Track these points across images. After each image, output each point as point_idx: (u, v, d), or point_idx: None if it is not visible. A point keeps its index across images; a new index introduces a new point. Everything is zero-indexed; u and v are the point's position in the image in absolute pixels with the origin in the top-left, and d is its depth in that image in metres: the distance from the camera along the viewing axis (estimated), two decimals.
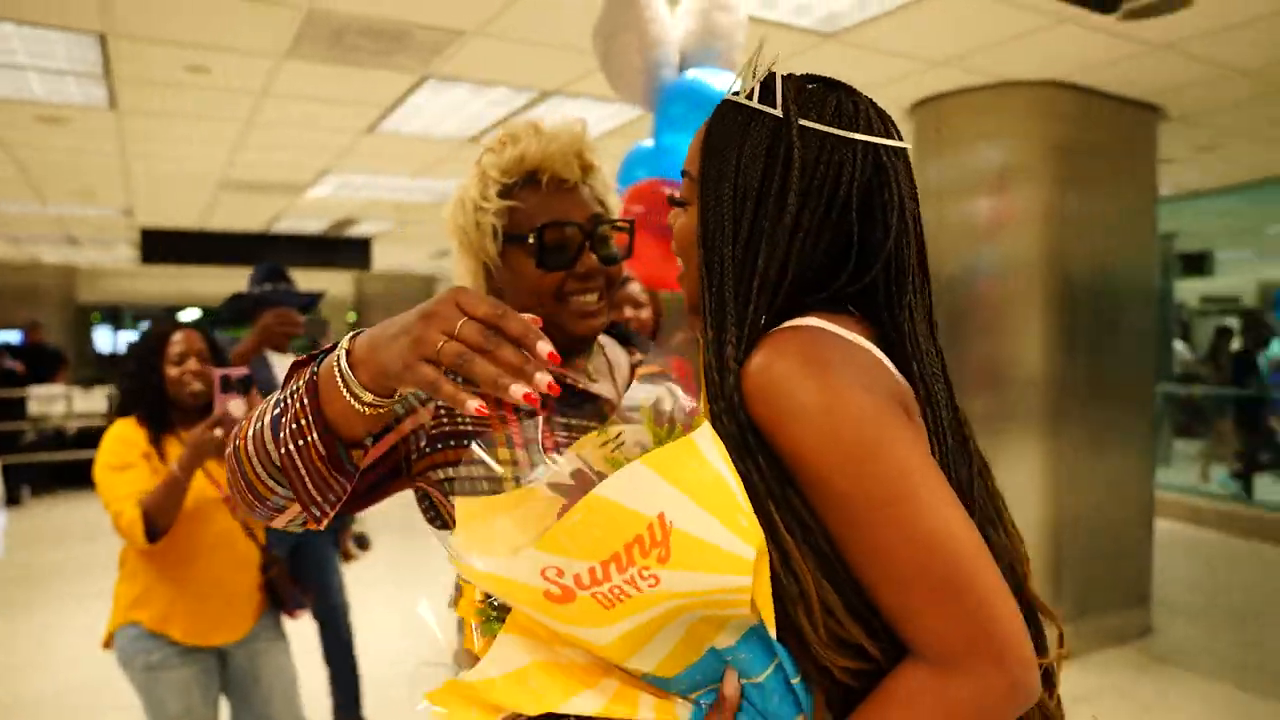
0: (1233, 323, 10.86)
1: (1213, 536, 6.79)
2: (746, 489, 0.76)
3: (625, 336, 1.39)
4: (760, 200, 0.86)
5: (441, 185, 6.92)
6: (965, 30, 3.60)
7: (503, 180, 1.16)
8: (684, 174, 0.95)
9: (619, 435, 0.83)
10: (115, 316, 21.55)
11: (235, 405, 2.06)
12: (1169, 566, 5.18)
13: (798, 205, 0.85)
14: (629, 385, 1.18)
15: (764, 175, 0.86)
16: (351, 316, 14.96)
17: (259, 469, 0.93)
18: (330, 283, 15.24)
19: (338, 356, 0.88)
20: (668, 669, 0.81)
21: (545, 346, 0.77)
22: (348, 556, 3.52)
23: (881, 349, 0.86)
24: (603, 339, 1.35)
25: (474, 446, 0.92)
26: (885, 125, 0.90)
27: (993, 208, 4.38)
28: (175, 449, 2.21)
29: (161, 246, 9.01)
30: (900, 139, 0.90)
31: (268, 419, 0.94)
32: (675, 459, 0.75)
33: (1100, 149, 4.44)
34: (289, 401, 0.92)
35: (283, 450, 0.92)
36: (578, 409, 1.16)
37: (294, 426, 0.91)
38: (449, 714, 0.82)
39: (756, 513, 0.76)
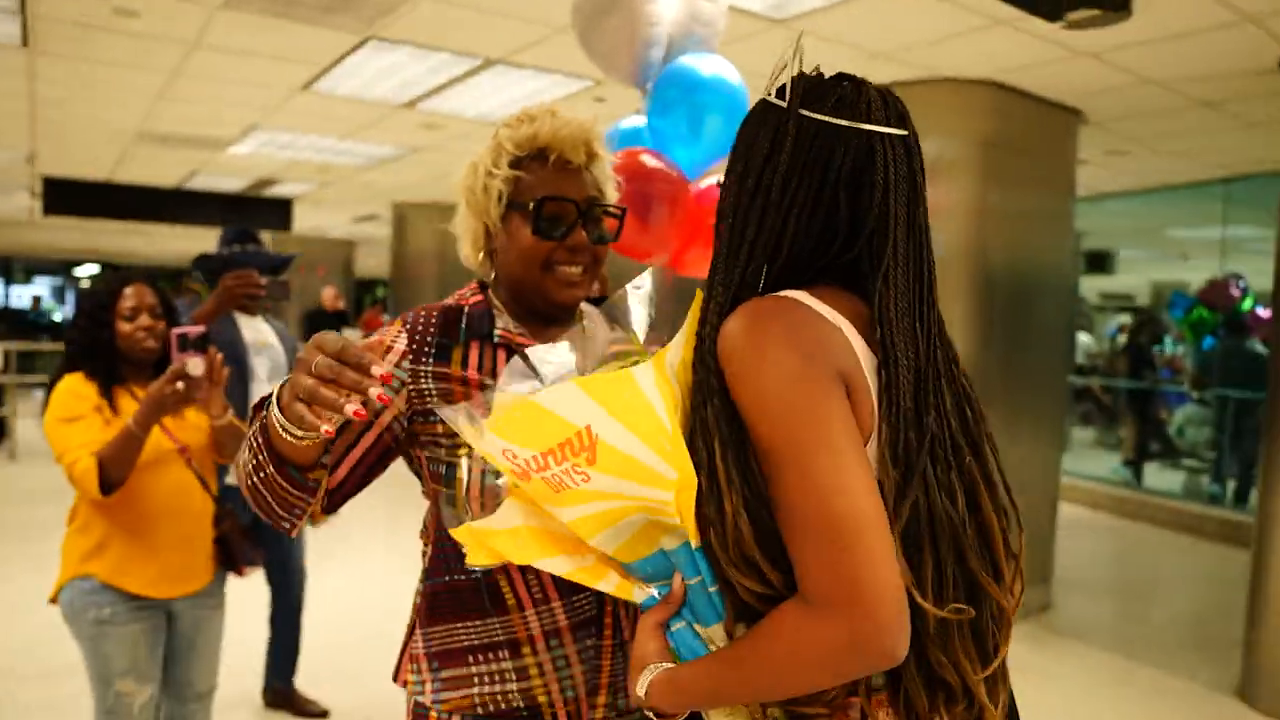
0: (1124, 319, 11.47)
1: (1106, 519, 7.21)
2: (703, 425, 0.91)
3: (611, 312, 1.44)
4: (759, 178, 0.96)
5: (369, 149, 6.78)
6: (908, 25, 3.71)
7: (515, 152, 1.27)
8: None
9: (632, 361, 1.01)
10: (6, 269, 20.39)
11: (194, 364, 2.03)
12: (1068, 547, 5.49)
13: (789, 183, 0.95)
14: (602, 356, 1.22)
15: (765, 158, 0.96)
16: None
17: (248, 497, 1.16)
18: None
19: (271, 401, 1.05)
20: (625, 555, 0.98)
21: (378, 369, 0.93)
22: (315, 519, 3.46)
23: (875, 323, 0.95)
24: (589, 317, 1.40)
25: (444, 413, 1.01)
26: (887, 114, 0.97)
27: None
28: (127, 402, 2.16)
29: (66, 197, 8.59)
30: (903, 128, 0.98)
31: (243, 457, 1.13)
32: (608, 386, 0.91)
33: (1023, 148, 4.63)
34: (252, 440, 1.11)
35: (249, 482, 1.13)
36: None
37: (254, 462, 1.10)
38: (466, 548, 1.03)
39: (702, 445, 0.90)
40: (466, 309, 1.29)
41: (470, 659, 1.26)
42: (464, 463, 1.21)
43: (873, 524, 0.82)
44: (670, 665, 0.95)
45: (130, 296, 2.18)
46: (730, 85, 2.48)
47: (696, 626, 0.96)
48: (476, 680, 1.25)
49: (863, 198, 0.95)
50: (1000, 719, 0.94)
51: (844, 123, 0.95)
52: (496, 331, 1.27)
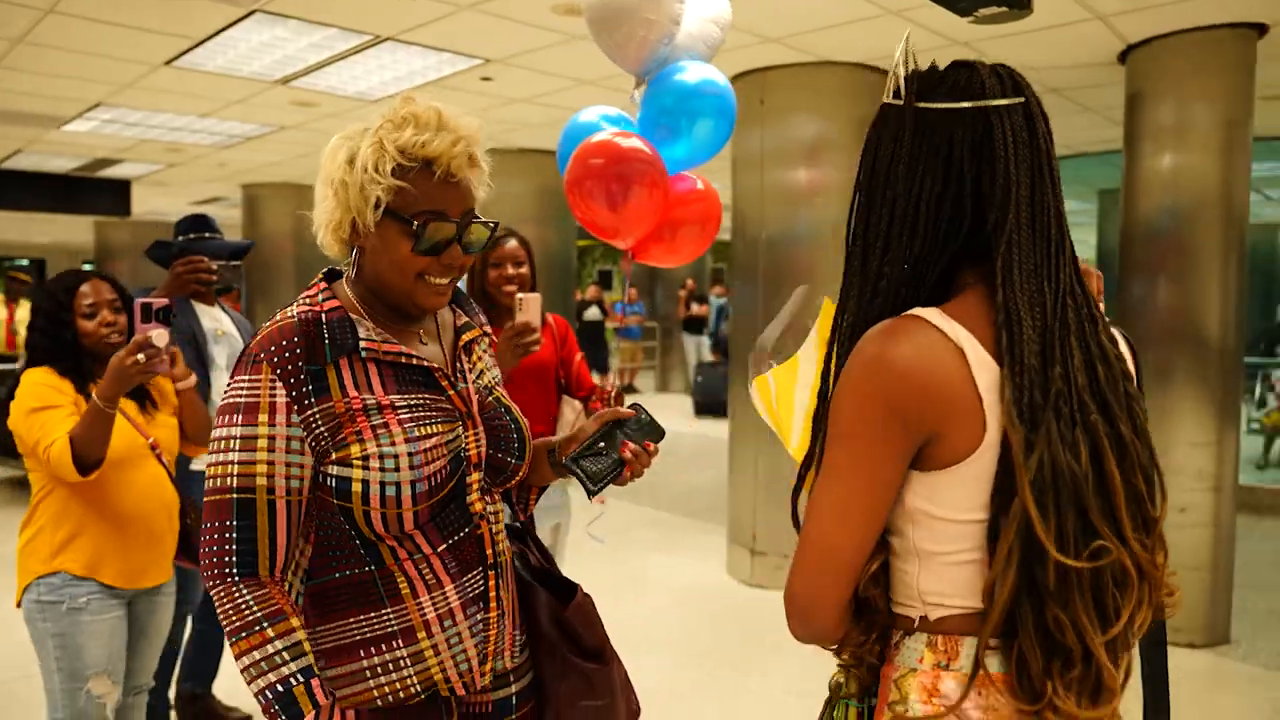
0: None
1: None
2: (818, 406, 1.10)
3: (455, 298, 1.53)
4: (887, 175, 1.04)
5: (230, 127, 6.42)
6: (803, 12, 3.88)
7: (399, 160, 1.23)
8: None
9: None
10: None
11: (158, 335, 2.00)
12: None
13: (914, 172, 1.02)
14: (455, 346, 1.41)
15: (890, 155, 1.04)
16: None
17: None
18: (69, 230, 13.58)
19: None
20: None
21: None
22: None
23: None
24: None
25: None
26: (1002, 88, 1.01)
27: (808, 177, 4.75)
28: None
29: None
30: (1020, 95, 1.02)
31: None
32: (786, 369, 1.28)
33: None
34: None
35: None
36: (410, 380, 1.30)
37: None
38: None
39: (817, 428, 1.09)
40: (324, 318, 1.26)
41: (363, 652, 1.26)
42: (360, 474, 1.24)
43: (840, 561, 1.00)
44: None
45: (88, 294, 2.17)
46: (723, 92, 2.54)
47: None
48: (371, 673, 1.27)
49: (985, 169, 1.00)
50: (1120, 681, 0.96)
51: (959, 105, 1.00)
52: (362, 344, 1.26)
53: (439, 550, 1.28)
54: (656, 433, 1.44)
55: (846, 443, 0.99)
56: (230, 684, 3.32)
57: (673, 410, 12.35)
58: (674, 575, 5.07)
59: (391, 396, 1.25)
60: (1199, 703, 3.50)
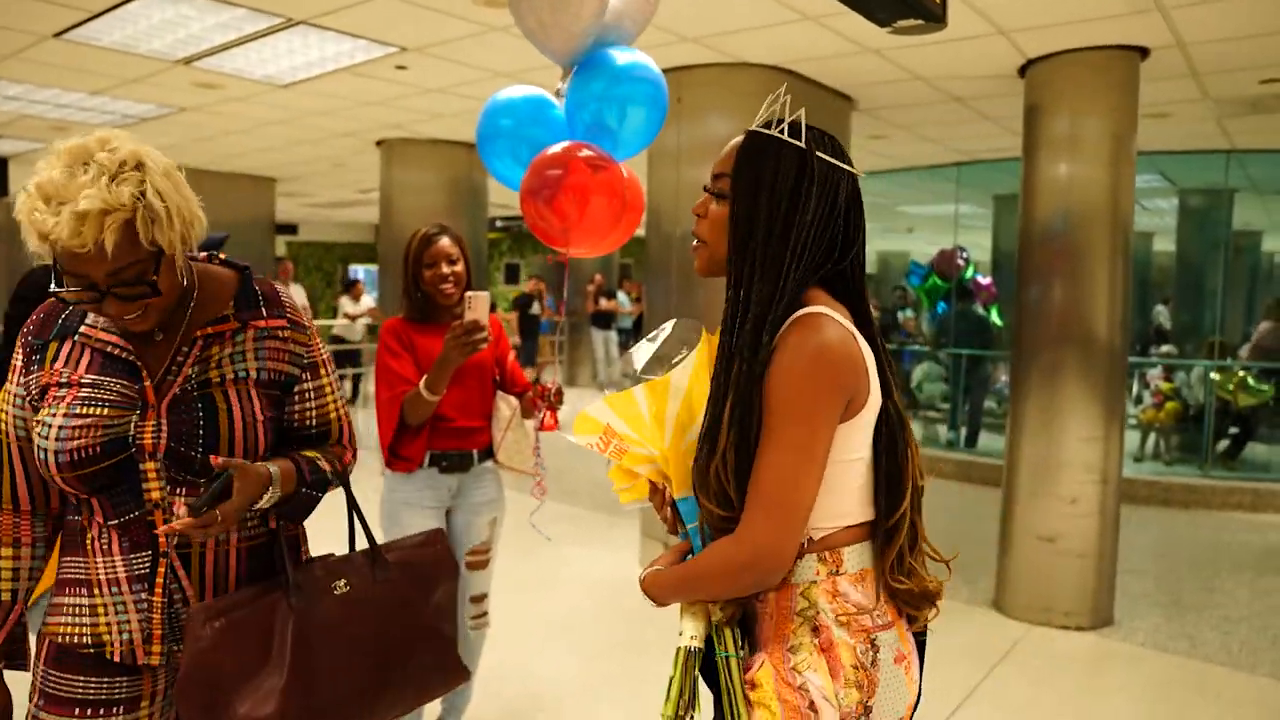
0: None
1: None
2: (731, 386, 1.25)
3: (267, 298, 1.59)
4: (793, 203, 1.27)
5: (125, 107, 6.12)
6: (723, 14, 3.94)
7: (35, 233, 1.28)
8: (720, 176, 1.35)
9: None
10: None
11: None
12: None
13: (817, 209, 1.27)
14: (190, 340, 1.49)
15: (794, 188, 1.27)
16: None
17: None
18: None
19: None
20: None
21: None
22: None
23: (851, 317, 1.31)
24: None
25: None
26: (849, 159, 1.33)
27: None
28: None
29: None
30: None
31: None
32: (624, 398, 1.39)
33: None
34: None
35: None
36: (113, 367, 1.43)
37: None
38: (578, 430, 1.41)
39: (722, 397, 1.26)
40: (71, 306, 1.42)
41: (65, 590, 1.46)
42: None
43: (803, 507, 1.21)
44: (659, 567, 1.36)
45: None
46: (656, 78, 2.52)
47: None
48: (65, 610, 1.44)
49: (851, 217, 1.31)
50: (939, 559, 1.40)
51: (844, 166, 1.31)
52: (82, 328, 1.43)
53: (109, 524, 1.42)
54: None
55: (803, 419, 1.19)
56: None
57: (582, 404, 12.35)
58: (588, 569, 5.09)
59: (88, 377, 1.40)
60: (1081, 680, 3.72)
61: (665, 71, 4.76)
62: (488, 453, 2.83)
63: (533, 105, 2.58)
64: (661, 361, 1.43)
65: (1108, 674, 3.80)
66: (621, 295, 14.19)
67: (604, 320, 13.65)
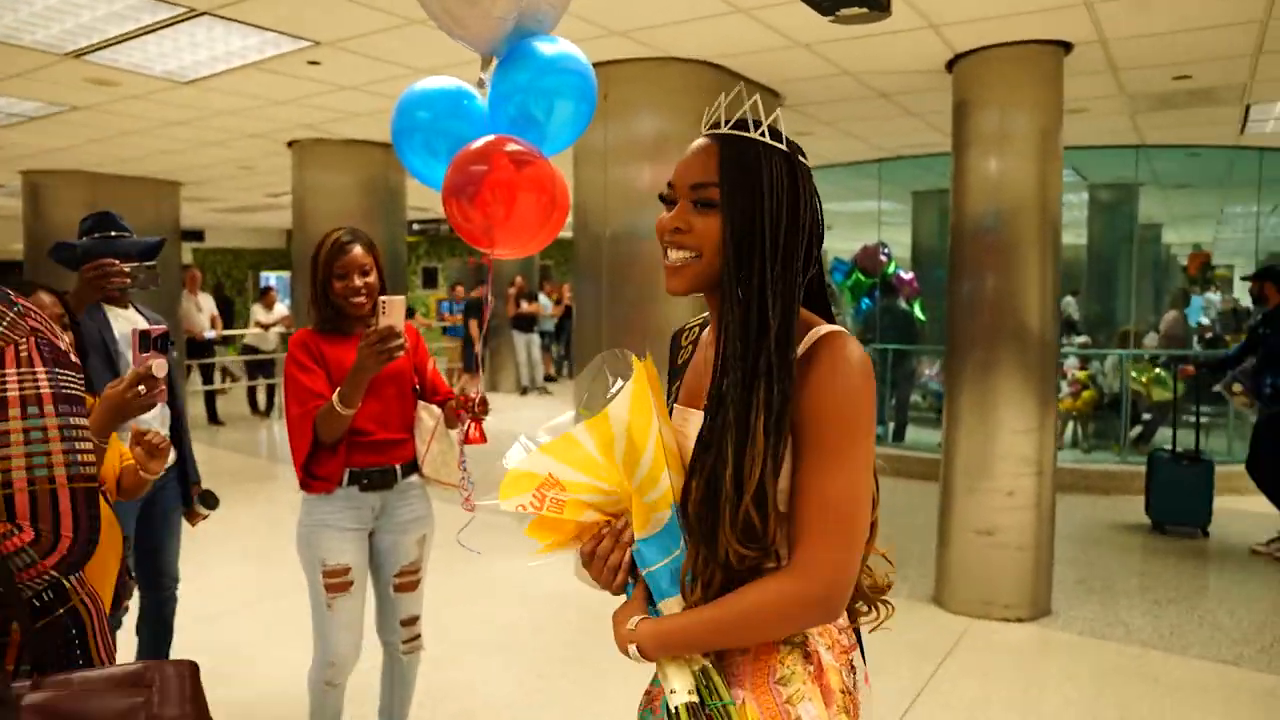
0: None
1: None
2: (750, 398, 1.14)
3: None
4: (792, 210, 1.19)
5: (9, 104, 5.70)
6: (652, 7, 3.84)
7: None
8: (703, 185, 1.21)
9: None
10: None
11: (158, 365, 1.84)
12: None
13: (807, 213, 1.21)
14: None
15: (790, 194, 1.19)
16: None
17: None
18: None
19: None
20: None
21: None
22: (194, 517, 3.11)
23: None
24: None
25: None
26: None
27: (653, 174, 4.73)
28: None
29: None
30: None
31: None
32: (564, 442, 1.24)
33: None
34: None
35: None
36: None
37: None
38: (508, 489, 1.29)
39: (743, 414, 1.14)
40: None
41: None
42: None
43: (864, 529, 1.16)
44: (642, 617, 1.21)
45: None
46: (585, 70, 2.40)
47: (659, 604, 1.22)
48: None
49: (818, 217, 1.24)
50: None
51: (806, 162, 1.25)
52: None
53: None
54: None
55: (866, 435, 1.15)
56: None
57: (505, 406, 12.15)
58: (529, 581, 4.93)
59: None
60: (1025, 672, 3.73)
61: (593, 66, 4.69)
62: (412, 466, 2.67)
63: (452, 97, 2.42)
64: (596, 398, 1.30)
65: (1051, 664, 3.83)
66: (543, 298, 13.99)
67: (526, 323, 13.44)
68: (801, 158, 1.23)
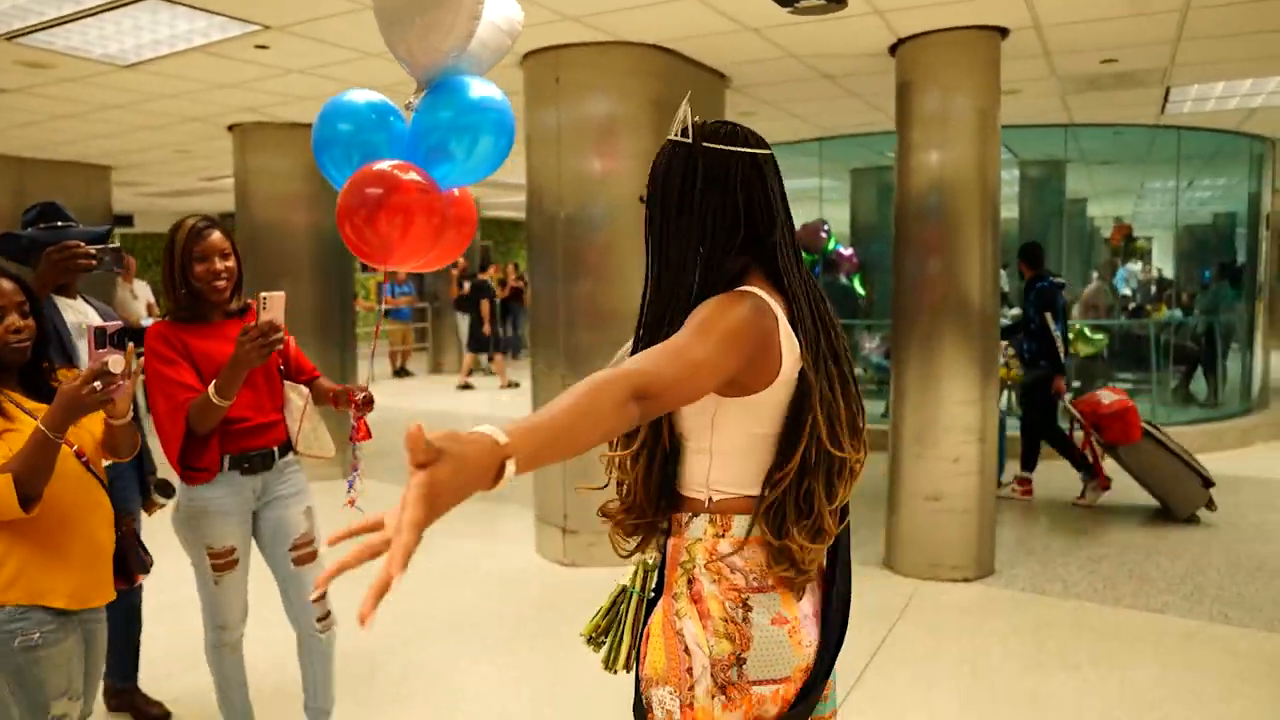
0: None
1: None
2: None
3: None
4: (682, 196, 1.36)
5: None
6: None
7: None
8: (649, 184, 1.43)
9: None
10: None
11: (115, 360, 1.84)
12: None
13: (705, 195, 1.35)
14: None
15: (683, 180, 1.36)
16: None
17: None
18: None
19: None
20: None
21: None
22: (151, 506, 3.09)
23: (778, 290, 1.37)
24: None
25: None
26: (757, 141, 1.40)
27: (603, 155, 4.79)
28: (7, 407, 1.97)
29: None
30: (767, 149, 1.41)
31: None
32: None
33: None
34: None
35: None
36: None
37: None
38: None
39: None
40: None
41: None
42: None
43: (694, 366, 1.20)
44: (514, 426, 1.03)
45: None
46: (504, 110, 2.52)
47: None
48: None
49: (755, 196, 1.36)
50: (829, 538, 1.39)
51: (735, 149, 1.37)
52: None
53: None
54: None
55: (706, 332, 1.22)
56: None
57: (447, 390, 12.11)
58: (483, 560, 5.01)
59: None
60: (972, 628, 3.95)
61: (542, 50, 4.74)
62: (287, 446, 2.73)
63: (375, 111, 2.52)
64: None
65: (996, 619, 4.05)
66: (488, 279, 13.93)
67: (469, 304, 13.37)
68: (713, 144, 1.36)
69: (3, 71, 5.05)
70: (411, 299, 14.01)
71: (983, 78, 4.45)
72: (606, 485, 1.48)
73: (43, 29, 4.31)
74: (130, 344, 1.92)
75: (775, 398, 1.33)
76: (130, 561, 2.26)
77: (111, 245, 2.66)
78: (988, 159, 4.48)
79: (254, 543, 2.72)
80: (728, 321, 1.25)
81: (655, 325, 1.35)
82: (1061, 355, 6.00)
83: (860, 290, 9.13)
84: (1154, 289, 12.81)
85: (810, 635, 1.39)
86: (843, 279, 9.02)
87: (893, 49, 4.69)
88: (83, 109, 6.08)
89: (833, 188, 10.02)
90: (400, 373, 13.74)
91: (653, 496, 1.42)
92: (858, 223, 10.36)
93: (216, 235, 2.53)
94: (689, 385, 1.19)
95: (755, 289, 1.33)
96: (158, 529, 2.85)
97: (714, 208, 1.35)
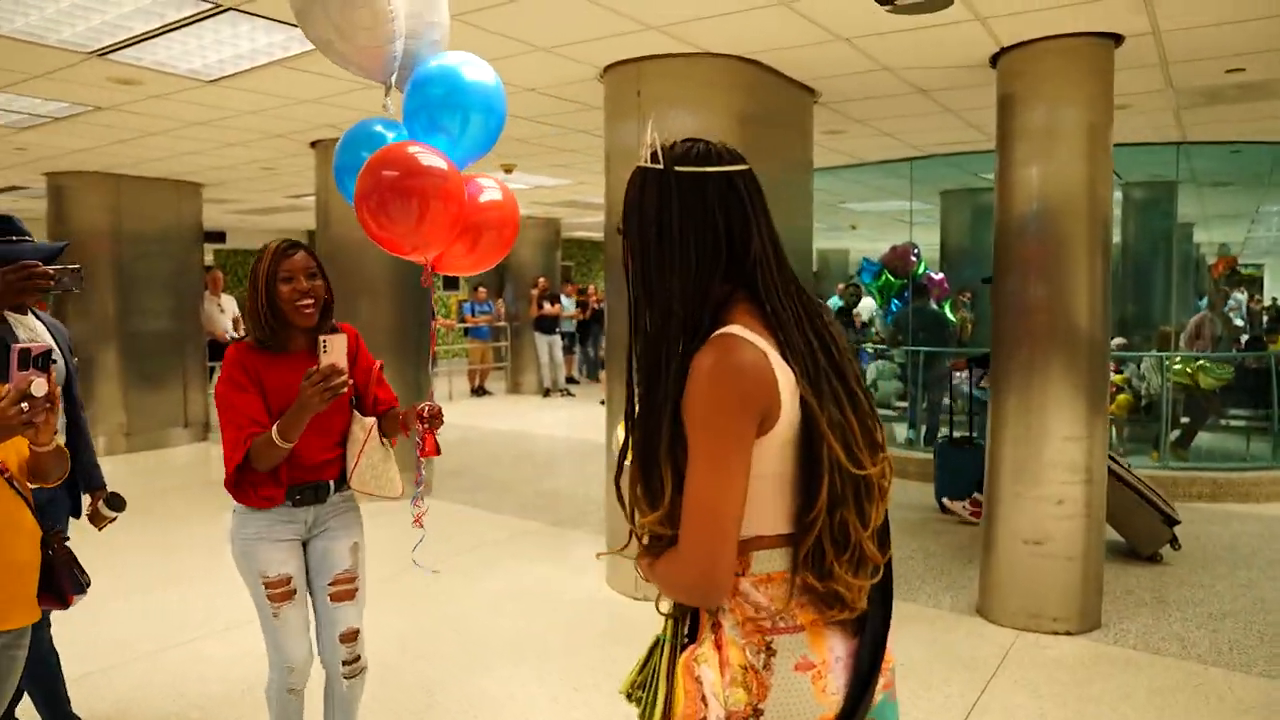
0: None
1: None
2: (656, 416, 1.29)
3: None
4: (659, 225, 1.31)
5: (34, 105, 5.64)
6: (689, 1, 3.72)
7: None
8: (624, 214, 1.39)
9: None
10: None
11: (38, 384, 1.73)
12: None
13: (684, 223, 1.30)
14: None
15: (659, 209, 1.31)
16: None
17: None
18: None
19: None
20: None
21: None
22: (100, 520, 2.92)
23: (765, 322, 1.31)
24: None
25: None
26: (732, 157, 1.35)
27: None
28: None
29: None
30: (744, 163, 1.35)
31: None
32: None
33: (771, 121, 4.85)
34: None
35: None
36: None
37: None
38: None
39: (654, 428, 1.29)
40: None
41: None
42: None
43: (730, 520, 1.23)
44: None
45: None
46: (491, 85, 2.51)
47: None
48: None
49: (733, 216, 1.31)
50: (874, 567, 1.33)
51: (708, 169, 1.32)
52: None
53: None
54: None
55: (714, 437, 1.23)
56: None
57: (527, 409, 12.07)
58: (552, 586, 4.83)
59: None
60: (1079, 689, 3.58)
61: (623, 63, 4.59)
62: (343, 479, 2.62)
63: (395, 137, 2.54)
64: None
65: (1105, 680, 3.67)
66: (565, 299, 13.89)
67: (548, 325, 13.36)
68: (685, 166, 1.30)
69: (96, 88, 5.14)
70: (491, 318, 14.07)
71: (1093, 89, 4.12)
72: (626, 547, 1.46)
73: (131, 44, 4.34)
74: (54, 369, 1.80)
75: (780, 436, 1.27)
76: (62, 581, 2.12)
77: (71, 265, 2.56)
78: (1098, 177, 4.14)
79: None
80: (727, 406, 1.23)
81: (652, 376, 1.31)
82: None
83: (951, 317, 8.73)
84: (1265, 319, 12.01)
85: (837, 681, 1.30)
86: (933, 304, 8.64)
87: (994, 60, 4.40)
88: (172, 125, 6.19)
89: (921, 210, 9.67)
90: (478, 391, 13.78)
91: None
92: (948, 246, 9.97)
93: (301, 255, 2.47)
94: (742, 494, 1.24)
95: (735, 329, 1.27)
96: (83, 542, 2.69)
97: (693, 234, 1.30)
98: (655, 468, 1.28)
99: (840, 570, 1.28)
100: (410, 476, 2.60)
